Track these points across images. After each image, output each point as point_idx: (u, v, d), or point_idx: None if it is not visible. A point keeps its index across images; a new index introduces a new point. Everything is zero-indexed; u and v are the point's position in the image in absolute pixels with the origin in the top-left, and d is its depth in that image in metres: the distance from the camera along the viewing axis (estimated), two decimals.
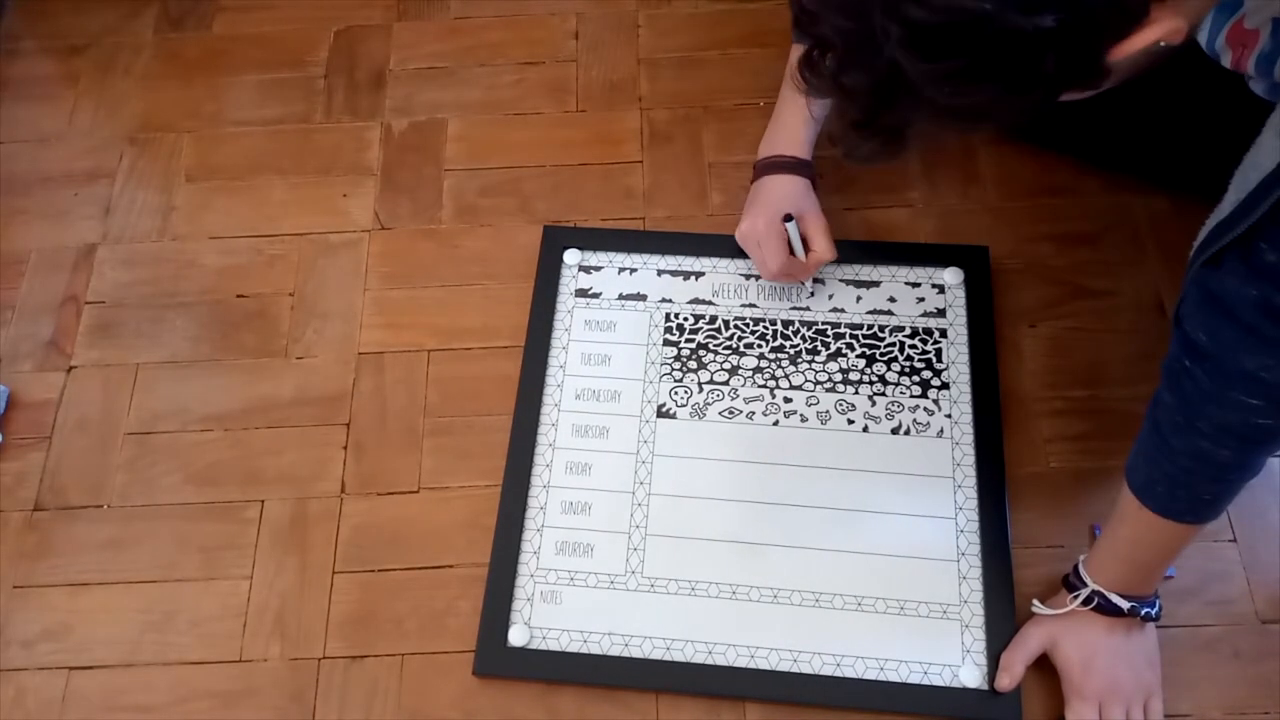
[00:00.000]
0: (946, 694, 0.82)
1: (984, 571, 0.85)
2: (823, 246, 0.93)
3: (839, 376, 0.94)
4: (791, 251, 0.94)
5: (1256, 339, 0.62)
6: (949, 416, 0.92)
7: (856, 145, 0.59)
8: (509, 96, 1.15)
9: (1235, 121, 0.67)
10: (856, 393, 0.94)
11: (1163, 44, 0.52)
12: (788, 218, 0.92)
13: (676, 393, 0.95)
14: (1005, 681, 0.80)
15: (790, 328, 0.97)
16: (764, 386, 0.94)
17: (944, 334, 0.96)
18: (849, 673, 0.82)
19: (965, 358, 0.95)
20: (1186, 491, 0.71)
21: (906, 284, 0.98)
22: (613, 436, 0.93)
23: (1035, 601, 0.83)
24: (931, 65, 0.51)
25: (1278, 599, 0.85)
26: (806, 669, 0.83)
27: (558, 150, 1.10)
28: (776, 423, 0.93)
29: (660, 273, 1.00)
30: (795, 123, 0.95)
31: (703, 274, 1.00)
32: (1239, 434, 0.66)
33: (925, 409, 0.92)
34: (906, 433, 0.92)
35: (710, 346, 0.97)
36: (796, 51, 0.93)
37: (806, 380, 0.94)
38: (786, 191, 0.94)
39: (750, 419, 0.93)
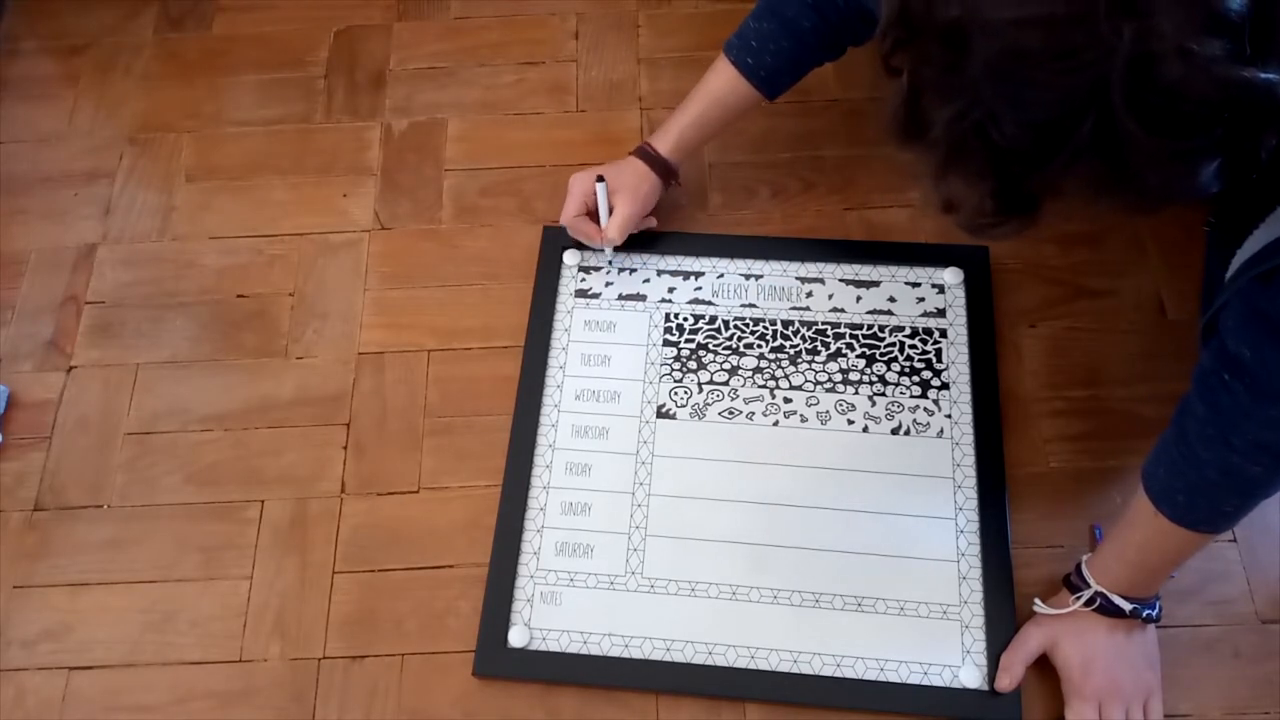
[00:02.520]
0: (946, 694, 0.82)
1: (984, 572, 0.85)
2: (611, 227, 0.96)
3: (839, 377, 0.94)
4: (595, 218, 0.97)
5: None
6: (949, 417, 0.92)
7: (993, 222, 0.53)
8: (509, 96, 1.15)
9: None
10: (856, 393, 0.94)
11: None
12: (600, 179, 0.95)
13: (676, 393, 0.95)
14: (1005, 682, 0.80)
15: (790, 328, 0.97)
16: (764, 387, 0.94)
17: (944, 334, 0.96)
18: (849, 673, 0.82)
19: (965, 358, 0.95)
20: (1208, 502, 0.70)
21: (906, 284, 0.98)
22: (612, 437, 0.93)
23: (1037, 600, 0.83)
24: (1162, 141, 0.46)
25: (1278, 599, 0.85)
26: (806, 669, 0.83)
27: (558, 150, 1.10)
28: (776, 423, 0.93)
29: (660, 273, 1.00)
30: (676, 128, 0.95)
31: (702, 274, 1.00)
32: (1274, 452, 0.65)
33: (925, 409, 0.92)
34: (906, 433, 0.92)
35: (710, 347, 0.97)
36: (720, 64, 0.92)
37: (806, 380, 0.94)
38: (630, 174, 0.96)
39: (750, 419, 0.93)
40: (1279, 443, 0.64)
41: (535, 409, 0.94)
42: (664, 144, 0.96)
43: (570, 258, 1.01)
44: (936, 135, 0.51)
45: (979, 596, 0.85)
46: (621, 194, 0.96)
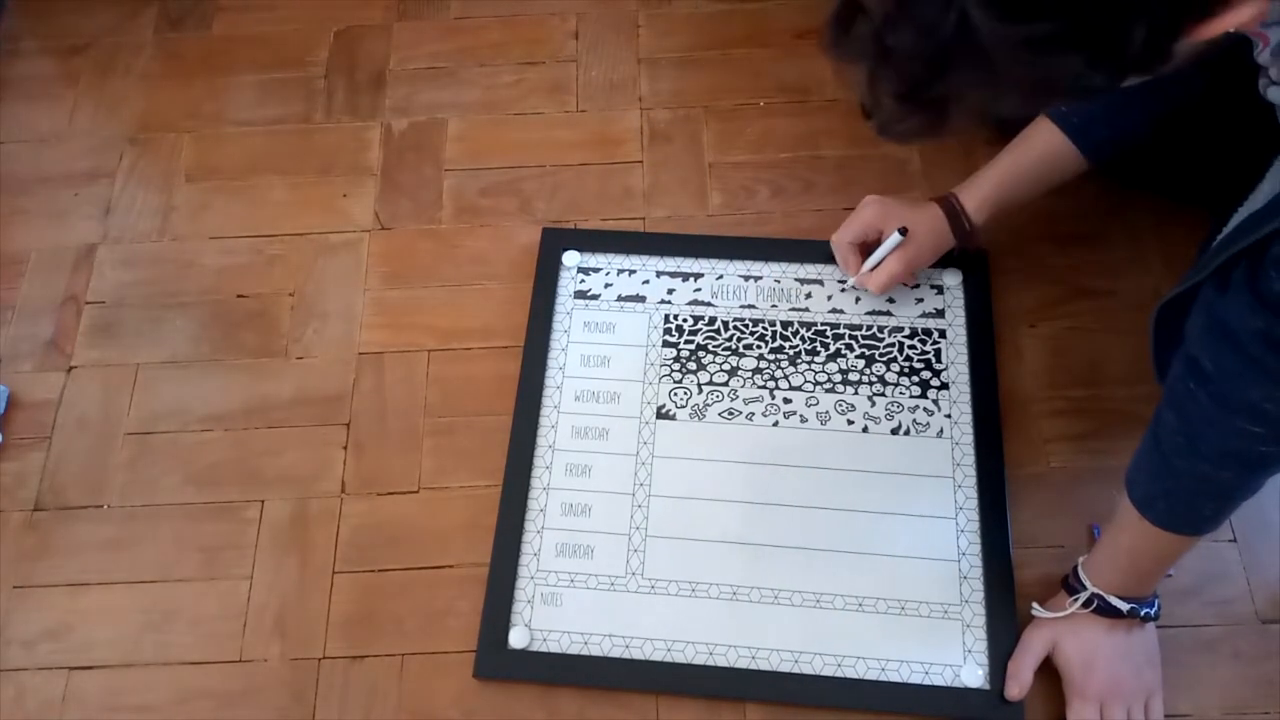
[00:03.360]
0: (948, 694, 0.82)
1: (985, 571, 0.85)
2: (875, 279, 0.92)
3: (838, 377, 0.94)
4: (866, 254, 0.94)
5: (1260, 371, 0.61)
6: (949, 416, 0.92)
7: (896, 120, 0.52)
8: (509, 96, 1.15)
9: (1245, 140, 0.66)
10: (856, 393, 0.94)
11: (1234, 30, 0.46)
12: (903, 232, 0.90)
13: (676, 394, 0.95)
14: (1015, 690, 0.80)
15: (789, 329, 0.97)
16: (763, 387, 0.94)
17: (943, 334, 0.96)
18: (850, 673, 0.82)
19: (964, 358, 0.95)
20: (1187, 507, 0.71)
21: (905, 285, 0.98)
22: (612, 438, 0.93)
23: (1035, 605, 0.83)
24: (1014, 28, 0.44)
25: (1278, 599, 0.85)
26: (807, 670, 0.83)
27: (558, 150, 1.10)
28: (776, 423, 0.93)
29: (659, 274, 1.00)
30: (984, 180, 0.90)
31: (701, 275, 1.00)
32: (1241, 459, 0.66)
33: (925, 409, 0.92)
34: (906, 433, 0.92)
35: (709, 348, 0.97)
36: (1039, 119, 0.86)
37: (806, 381, 0.94)
38: (925, 227, 0.91)
39: (750, 420, 0.93)
40: (1244, 450, 0.65)
41: (535, 410, 0.94)
42: (971, 198, 0.90)
43: (570, 259, 1.01)
44: (847, 42, 0.50)
45: (980, 596, 0.85)
46: (903, 246, 0.90)
